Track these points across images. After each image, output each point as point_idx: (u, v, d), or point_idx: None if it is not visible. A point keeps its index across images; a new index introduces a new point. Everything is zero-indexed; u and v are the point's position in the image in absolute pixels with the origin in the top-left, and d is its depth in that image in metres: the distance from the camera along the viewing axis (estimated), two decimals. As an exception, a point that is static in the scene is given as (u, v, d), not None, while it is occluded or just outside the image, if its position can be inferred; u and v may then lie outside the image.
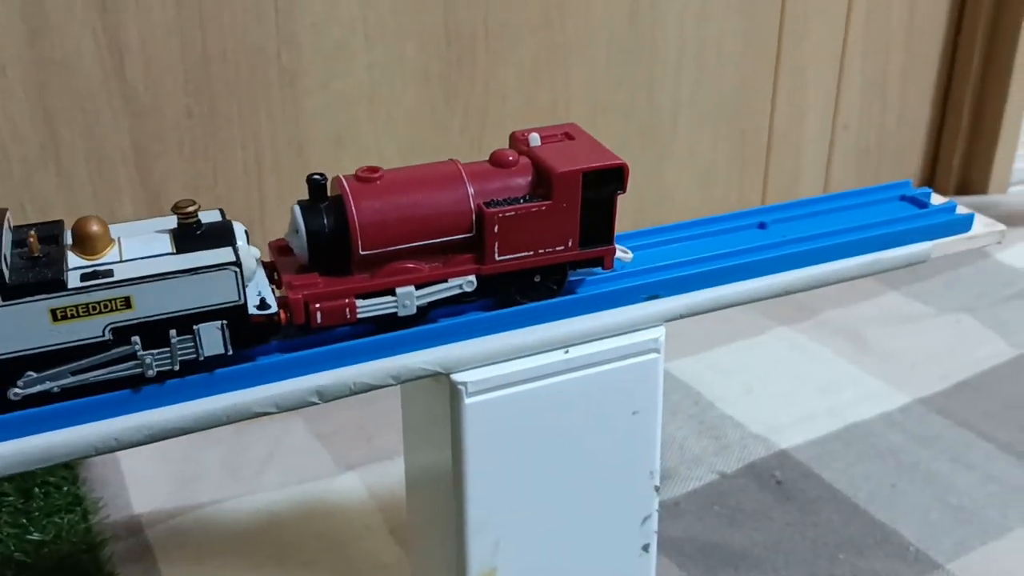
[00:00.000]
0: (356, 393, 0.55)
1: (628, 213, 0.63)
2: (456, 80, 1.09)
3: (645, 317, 0.61)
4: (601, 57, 1.16)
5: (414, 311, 0.57)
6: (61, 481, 0.89)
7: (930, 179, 1.53)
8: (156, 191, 0.97)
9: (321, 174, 0.55)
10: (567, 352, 0.60)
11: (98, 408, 0.51)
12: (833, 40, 1.33)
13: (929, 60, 1.44)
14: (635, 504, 0.66)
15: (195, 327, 0.51)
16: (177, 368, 0.51)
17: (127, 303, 0.49)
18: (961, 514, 0.88)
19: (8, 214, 0.51)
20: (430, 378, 0.58)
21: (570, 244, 0.59)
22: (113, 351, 0.50)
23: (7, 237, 0.49)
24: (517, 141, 0.61)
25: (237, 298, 0.51)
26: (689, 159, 1.29)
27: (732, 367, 1.12)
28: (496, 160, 0.58)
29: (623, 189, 0.58)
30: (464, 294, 0.58)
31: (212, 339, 0.51)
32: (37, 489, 0.88)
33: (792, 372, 1.11)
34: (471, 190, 0.57)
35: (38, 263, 0.49)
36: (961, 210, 0.72)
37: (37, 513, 0.86)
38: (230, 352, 0.52)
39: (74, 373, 0.50)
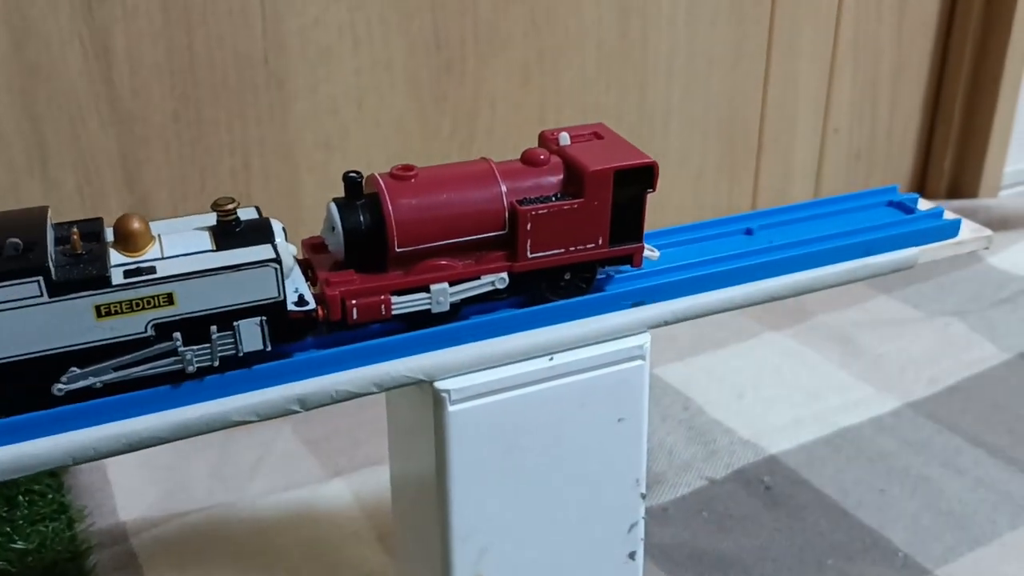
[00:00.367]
0: (338, 401, 0.55)
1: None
2: (445, 85, 1.08)
3: (629, 324, 0.61)
4: (591, 61, 1.16)
5: (447, 308, 0.57)
6: (46, 489, 0.89)
7: (921, 183, 1.53)
8: (143, 197, 0.97)
9: (357, 172, 0.56)
10: (551, 359, 0.59)
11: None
12: (823, 44, 1.33)
13: (919, 64, 1.44)
14: (621, 512, 0.66)
15: (235, 323, 0.51)
16: (217, 364, 0.52)
17: (170, 299, 0.50)
18: (951, 519, 0.88)
19: (49, 211, 0.51)
20: (414, 386, 0.58)
21: (600, 242, 0.59)
22: (155, 347, 0.50)
23: (50, 234, 0.50)
24: (547, 140, 0.61)
25: (277, 295, 0.52)
26: (680, 163, 1.29)
27: (722, 372, 1.12)
28: (528, 159, 0.59)
29: (653, 187, 0.59)
30: (496, 291, 0.58)
31: (251, 335, 0.52)
32: (21, 497, 0.88)
33: (782, 377, 1.11)
34: (504, 188, 0.58)
35: (81, 260, 0.49)
36: (948, 216, 0.72)
37: (21, 521, 0.85)
38: (269, 348, 0.53)
39: (116, 369, 0.50)
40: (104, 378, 0.50)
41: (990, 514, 0.89)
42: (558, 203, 0.57)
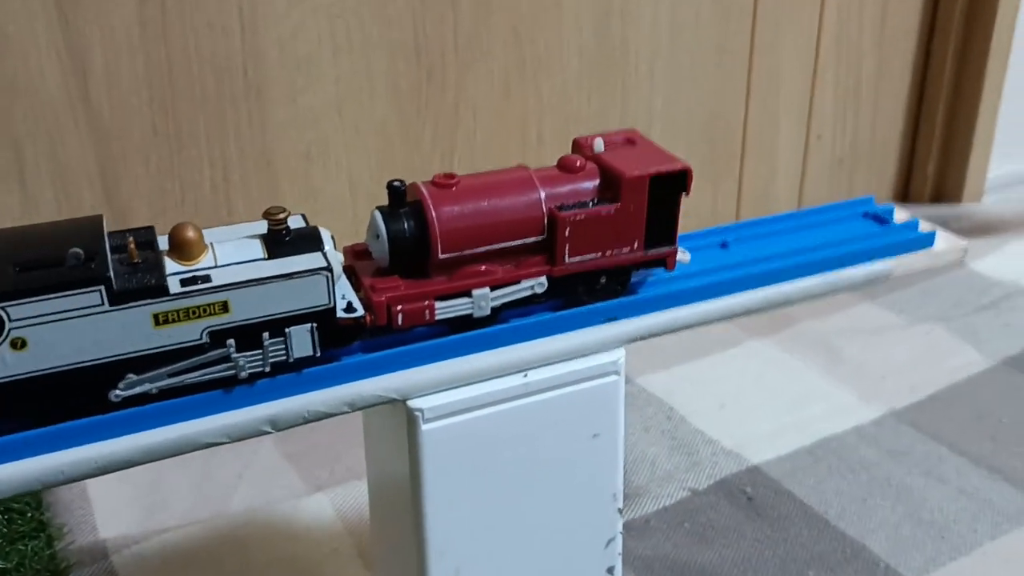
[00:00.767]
0: (310, 421, 0.55)
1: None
2: (426, 94, 1.08)
3: (603, 340, 0.61)
4: (572, 69, 1.16)
5: (488, 312, 0.59)
6: (25, 507, 0.88)
7: (905, 188, 1.53)
8: (123, 210, 0.97)
9: (400, 180, 0.57)
10: (526, 376, 0.59)
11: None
12: (805, 50, 1.34)
13: (902, 69, 1.44)
14: (598, 527, 0.66)
15: (287, 330, 0.52)
16: (268, 370, 0.53)
17: (225, 307, 0.51)
18: (932, 529, 0.88)
19: (104, 221, 0.52)
20: (387, 404, 0.58)
21: (635, 246, 0.61)
22: (209, 354, 0.52)
23: (107, 244, 0.51)
24: (581, 147, 0.62)
25: (327, 301, 0.53)
26: (662, 171, 1.29)
27: (706, 381, 1.12)
28: (564, 165, 0.61)
29: (687, 192, 0.60)
30: (535, 295, 0.60)
31: (302, 341, 0.53)
32: (1, 516, 0.87)
33: (765, 386, 1.11)
34: (543, 194, 0.59)
35: (138, 269, 0.50)
36: (924, 227, 0.72)
37: (0, 540, 0.85)
38: (318, 354, 0.54)
39: (171, 375, 0.51)
40: (159, 384, 0.52)
41: (971, 523, 0.89)
42: (595, 208, 0.59)
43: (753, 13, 1.26)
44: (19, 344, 0.48)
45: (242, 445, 0.99)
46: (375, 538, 0.75)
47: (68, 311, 0.48)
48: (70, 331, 0.48)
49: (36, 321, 0.48)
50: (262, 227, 0.54)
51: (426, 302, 0.57)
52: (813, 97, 1.37)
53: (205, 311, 0.51)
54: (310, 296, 0.52)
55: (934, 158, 1.48)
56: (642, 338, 0.62)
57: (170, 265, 0.51)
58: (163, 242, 0.53)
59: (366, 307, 0.56)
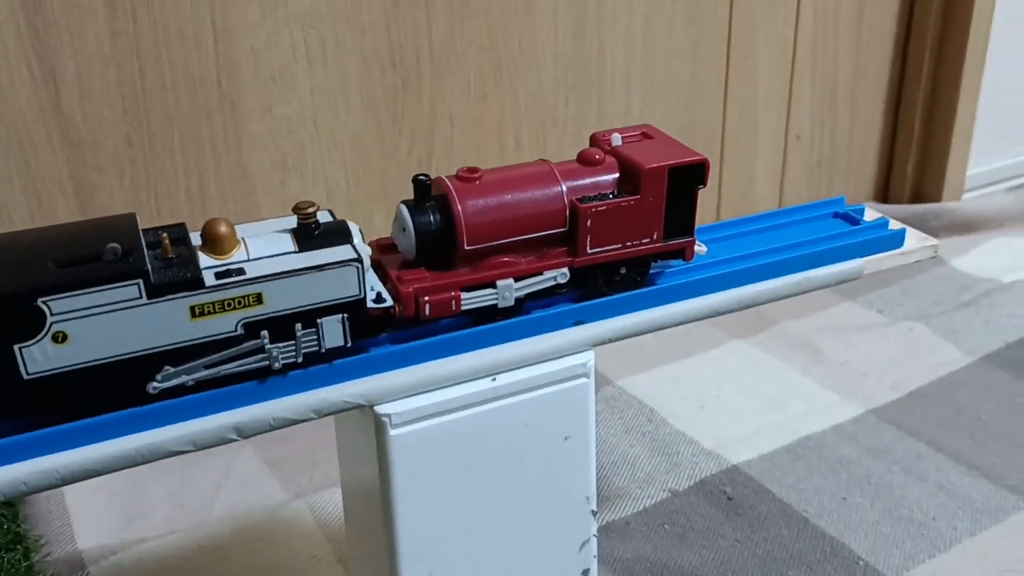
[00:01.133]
0: (276, 428, 0.55)
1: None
2: (402, 102, 1.08)
3: (571, 343, 0.61)
4: (548, 74, 1.16)
5: (512, 303, 0.60)
6: (1, 519, 0.88)
7: (884, 188, 1.54)
8: (98, 221, 0.96)
9: (425, 175, 0.59)
10: (494, 380, 0.59)
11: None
12: (781, 52, 1.34)
13: (879, 70, 1.45)
14: (572, 530, 0.66)
15: (318, 321, 0.54)
16: (300, 360, 0.55)
17: (259, 299, 0.53)
18: (911, 526, 0.88)
19: (137, 218, 0.54)
20: (356, 410, 0.58)
21: (655, 237, 0.62)
22: (244, 345, 0.53)
23: (142, 239, 0.52)
24: (599, 141, 0.64)
25: (358, 292, 0.55)
26: (641, 174, 1.29)
27: (687, 382, 1.12)
28: (584, 159, 0.62)
29: (704, 184, 0.62)
30: (557, 286, 0.61)
31: (333, 332, 0.55)
32: (-23, 528, 0.87)
33: (746, 386, 1.11)
34: (564, 187, 0.60)
35: (173, 264, 0.52)
36: (894, 225, 0.72)
37: (-23, 553, 0.85)
38: (349, 344, 0.55)
39: (207, 367, 0.53)
40: (195, 376, 0.53)
41: (950, 520, 0.89)
42: (616, 200, 0.60)
43: (729, 16, 1.27)
44: (60, 338, 0.49)
45: (221, 453, 0.99)
46: (351, 544, 0.75)
47: (107, 305, 0.49)
48: (109, 324, 0.50)
49: (76, 315, 0.49)
50: (291, 222, 0.55)
51: (452, 293, 0.58)
52: (791, 99, 1.37)
53: (240, 303, 0.52)
54: (341, 287, 0.54)
55: (913, 158, 1.49)
56: (611, 341, 0.62)
57: (204, 259, 0.53)
58: (195, 238, 0.54)
59: (394, 299, 0.57)
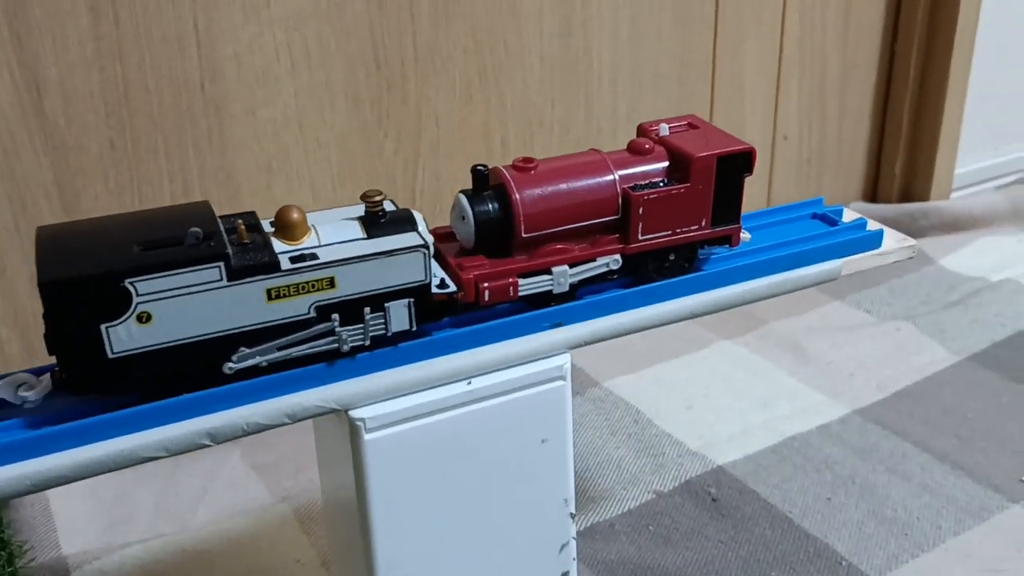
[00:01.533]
0: (249, 433, 0.55)
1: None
2: (387, 104, 1.08)
3: (547, 345, 0.61)
4: (534, 76, 1.16)
5: (567, 289, 0.62)
6: (-15, 525, 0.88)
7: (873, 187, 1.54)
8: (82, 226, 0.96)
9: (484, 165, 0.61)
10: (470, 383, 0.59)
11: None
12: (768, 52, 1.34)
13: (866, 69, 1.45)
14: (551, 533, 0.66)
15: (386, 305, 0.56)
16: (368, 343, 0.57)
17: (331, 283, 0.55)
18: (895, 526, 0.88)
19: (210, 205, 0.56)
20: (332, 415, 0.58)
21: (703, 224, 0.64)
22: (315, 328, 0.55)
23: (220, 224, 0.54)
24: (647, 131, 0.66)
25: (424, 278, 0.57)
26: (629, 175, 1.29)
27: (674, 383, 1.12)
28: (634, 148, 0.65)
29: (750, 171, 0.64)
30: (609, 272, 0.63)
31: (400, 316, 0.57)
32: (-40, 534, 0.87)
33: (733, 387, 1.11)
34: (616, 176, 0.62)
35: (248, 248, 0.54)
36: (872, 226, 0.72)
37: (-39, 558, 0.85)
38: (414, 328, 0.57)
39: (279, 348, 0.55)
40: (268, 357, 0.54)
41: (934, 520, 0.89)
42: (666, 188, 0.62)
43: (715, 16, 1.27)
44: (144, 318, 0.51)
45: (208, 457, 0.99)
46: (332, 549, 0.75)
47: (189, 286, 0.51)
48: (191, 306, 0.52)
49: (160, 296, 0.51)
50: (358, 210, 0.58)
51: (510, 279, 0.60)
52: (778, 99, 1.37)
53: (313, 286, 0.54)
54: (408, 272, 0.56)
55: (901, 157, 1.49)
56: (587, 343, 0.62)
57: (277, 245, 0.55)
58: (265, 226, 0.56)
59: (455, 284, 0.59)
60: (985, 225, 1.45)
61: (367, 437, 0.57)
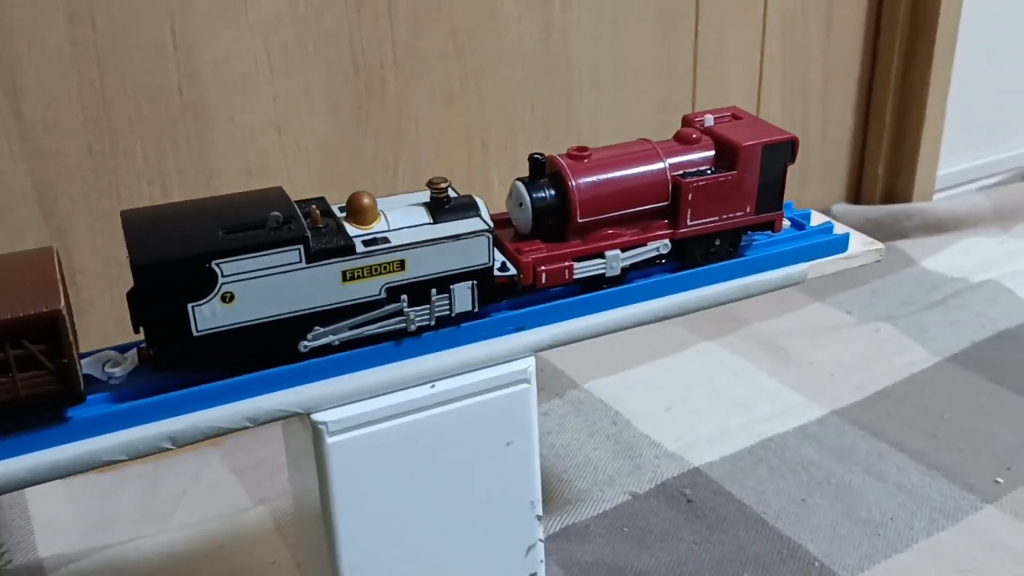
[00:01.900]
0: (210, 437, 0.55)
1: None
2: (367, 108, 1.09)
3: (510, 349, 0.61)
4: (515, 80, 1.17)
5: (619, 272, 0.65)
6: (-38, 528, 0.88)
7: (856, 189, 1.54)
8: (61, 230, 0.97)
9: (541, 154, 0.64)
10: (433, 387, 0.60)
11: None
12: (750, 55, 1.34)
13: (848, 71, 1.45)
14: (518, 535, 0.66)
15: (451, 287, 0.59)
16: (433, 323, 0.60)
17: (402, 265, 0.58)
18: (869, 527, 0.89)
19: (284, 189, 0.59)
20: (296, 418, 0.58)
21: (748, 210, 0.67)
22: (385, 308, 0.58)
23: (297, 209, 0.57)
24: (692, 122, 0.69)
25: (487, 261, 0.60)
26: (611, 177, 1.30)
27: (653, 384, 1.12)
28: (681, 138, 0.68)
29: (793, 160, 0.67)
30: (658, 256, 0.65)
31: (463, 297, 0.60)
32: (-62, 537, 0.87)
33: (712, 388, 1.11)
34: (667, 164, 0.65)
35: (323, 232, 0.57)
36: (839, 230, 0.73)
37: (-63, 562, 0.85)
38: (476, 309, 0.61)
39: (351, 328, 0.58)
40: (341, 336, 0.57)
41: (908, 520, 0.89)
42: (714, 176, 0.65)
43: (695, 19, 1.27)
44: (228, 298, 0.54)
45: (189, 460, 1.00)
46: (302, 551, 0.75)
47: (271, 268, 0.54)
48: (271, 286, 0.55)
49: (243, 277, 0.54)
50: (423, 196, 0.61)
51: (566, 263, 0.62)
52: (760, 102, 1.38)
53: (385, 269, 0.57)
54: (473, 256, 0.59)
55: (884, 158, 1.49)
56: (550, 347, 0.63)
57: (350, 229, 0.58)
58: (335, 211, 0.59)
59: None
60: (967, 226, 1.46)
61: (330, 440, 0.57)
